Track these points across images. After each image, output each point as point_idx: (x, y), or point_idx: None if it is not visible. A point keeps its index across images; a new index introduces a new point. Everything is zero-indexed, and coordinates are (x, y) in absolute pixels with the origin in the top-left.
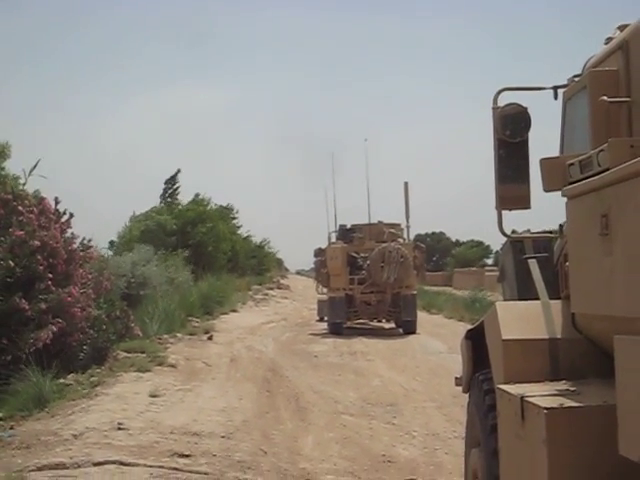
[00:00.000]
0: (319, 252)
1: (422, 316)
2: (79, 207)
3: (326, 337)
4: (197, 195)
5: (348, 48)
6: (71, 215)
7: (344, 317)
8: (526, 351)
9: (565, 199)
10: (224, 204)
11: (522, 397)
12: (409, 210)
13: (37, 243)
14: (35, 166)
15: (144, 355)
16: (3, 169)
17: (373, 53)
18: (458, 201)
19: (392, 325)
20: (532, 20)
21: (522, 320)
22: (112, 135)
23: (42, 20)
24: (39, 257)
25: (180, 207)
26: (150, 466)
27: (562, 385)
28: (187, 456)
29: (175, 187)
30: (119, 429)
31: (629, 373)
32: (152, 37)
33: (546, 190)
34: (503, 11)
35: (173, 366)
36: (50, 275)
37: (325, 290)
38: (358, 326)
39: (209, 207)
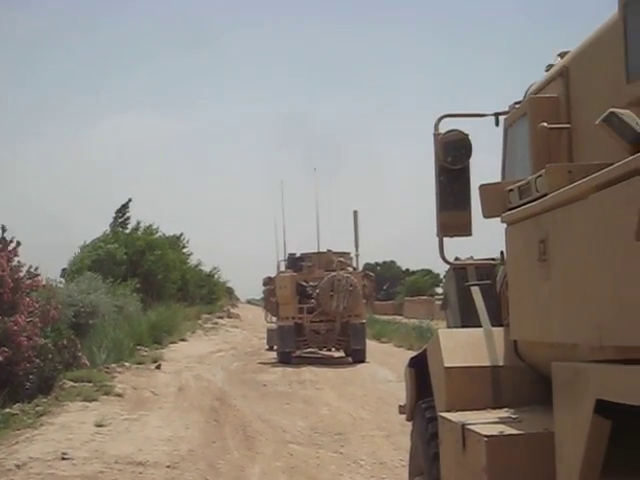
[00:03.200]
0: (268, 281)
1: (372, 345)
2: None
3: (275, 366)
4: (138, 223)
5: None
6: (18, 243)
7: (293, 346)
8: (468, 379)
9: (505, 225)
10: (175, 233)
11: (463, 425)
12: (358, 239)
13: None
14: None
15: (91, 384)
16: None
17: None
18: (409, 230)
19: (341, 354)
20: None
21: (464, 347)
22: (77, 159)
23: (11, 43)
24: None
25: (128, 235)
26: None
27: (504, 412)
28: None
29: (125, 217)
30: (63, 459)
31: (566, 400)
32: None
33: (485, 216)
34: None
35: (120, 395)
36: None
37: (274, 319)
38: (307, 355)
39: (157, 235)
